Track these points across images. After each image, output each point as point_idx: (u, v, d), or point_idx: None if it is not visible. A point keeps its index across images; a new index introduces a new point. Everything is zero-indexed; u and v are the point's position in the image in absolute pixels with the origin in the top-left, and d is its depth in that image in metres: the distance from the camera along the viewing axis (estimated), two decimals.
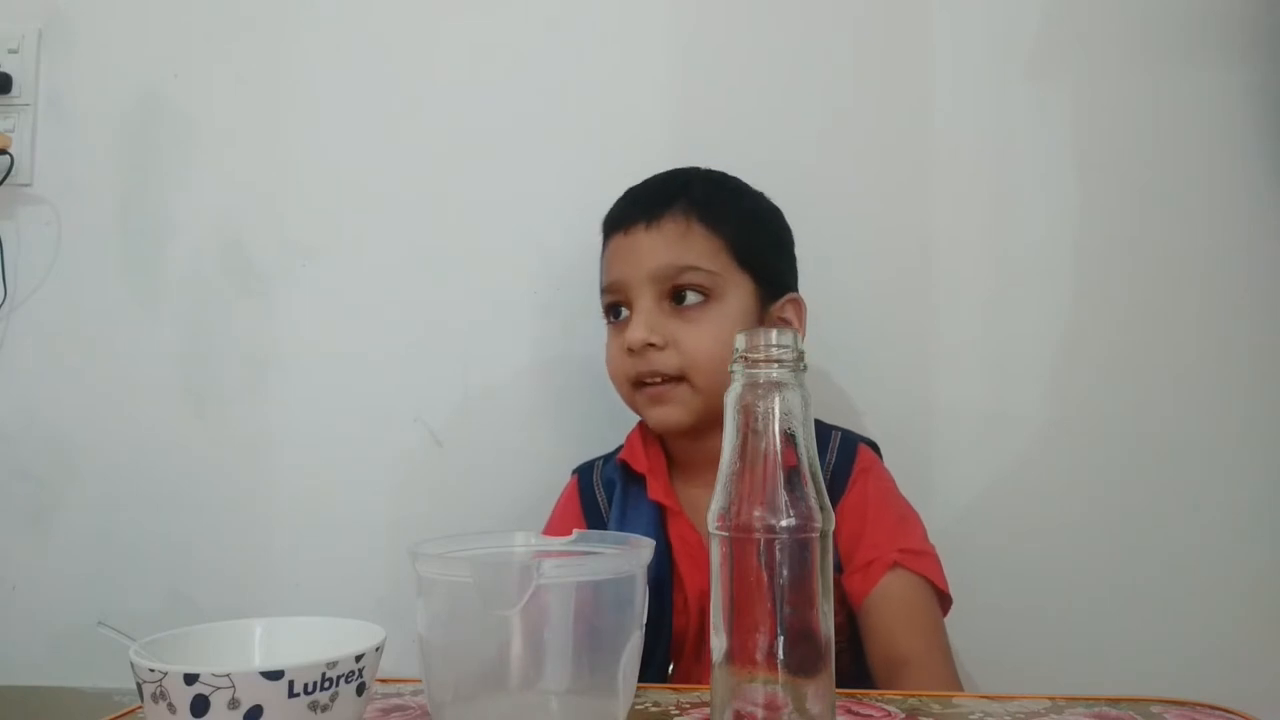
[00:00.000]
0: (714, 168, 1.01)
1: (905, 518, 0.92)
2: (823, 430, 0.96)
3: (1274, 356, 1.11)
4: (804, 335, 0.98)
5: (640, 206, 0.96)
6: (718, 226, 0.93)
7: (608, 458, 1.02)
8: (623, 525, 0.95)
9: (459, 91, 1.21)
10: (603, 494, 0.99)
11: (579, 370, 1.17)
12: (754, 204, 0.99)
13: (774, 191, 1.01)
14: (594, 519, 0.98)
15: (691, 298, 0.92)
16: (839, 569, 0.88)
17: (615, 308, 0.97)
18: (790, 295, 0.98)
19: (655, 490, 0.94)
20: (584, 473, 1.03)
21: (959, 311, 1.14)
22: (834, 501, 0.88)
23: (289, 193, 1.22)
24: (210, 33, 1.23)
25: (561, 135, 1.19)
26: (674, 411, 0.92)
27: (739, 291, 0.93)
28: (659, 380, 0.91)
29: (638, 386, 0.94)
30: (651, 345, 0.90)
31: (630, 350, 0.91)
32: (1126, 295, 1.13)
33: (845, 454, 0.93)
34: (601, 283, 0.99)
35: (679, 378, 0.91)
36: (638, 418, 1.02)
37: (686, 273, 0.91)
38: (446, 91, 1.21)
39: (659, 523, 0.94)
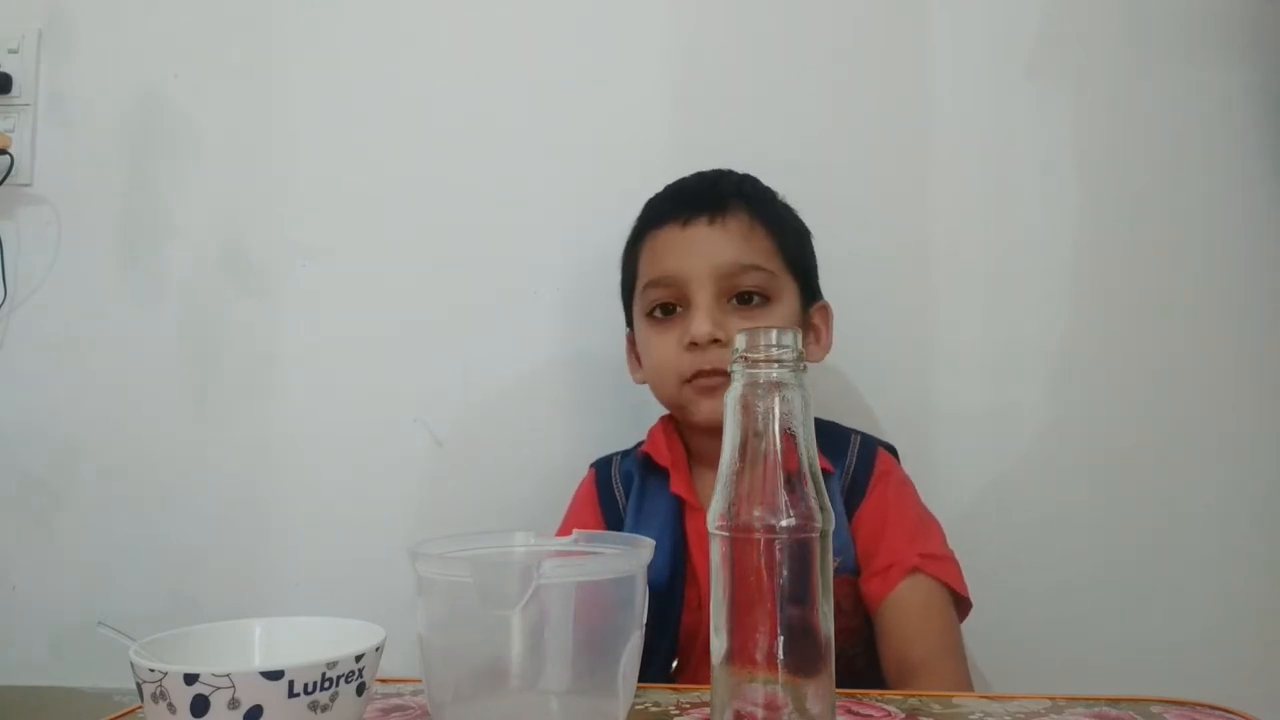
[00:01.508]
0: (742, 172, 1.01)
1: (925, 522, 0.93)
2: (841, 434, 0.96)
3: (1275, 356, 1.11)
4: (831, 341, 0.99)
5: (700, 200, 0.95)
6: (774, 229, 0.94)
7: (626, 453, 1.02)
8: (639, 518, 0.95)
9: (459, 91, 1.20)
10: (620, 487, 0.99)
11: (580, 370, 1.17)
12: (791, 210, 1.00)
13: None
14: (611, 512, 0.98)
15: (754, 297, 0.92)
16: (857, 572, 0.88)
17: (665, 303, 0.94)
18: (820, 302, 0.99)
19: (677, 484, 0.94)
20: (601, 466, 1.03)
21: (959, 311, 1.14)
22: (854, 506, 0.89)
23: (289, 193, 1.22)
24: (210, 33, 1.23)
25: (562, 135, 1.19)
26: None
27: (789, 295, 0.94)
28: (718, 376, 0.90)
29: (688, 380, 0.92)
30: (716, 341, 0.89)
31: (693, 344, 0.90)
32: (1126, 295, 1.13)
33: (865, 458, 0.93)
34: (646, 276, 0.96)
35: None
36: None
37: (750, 272, 0.91)
38: (447, 91, 1.21)
39: (677, 517, 0.94)
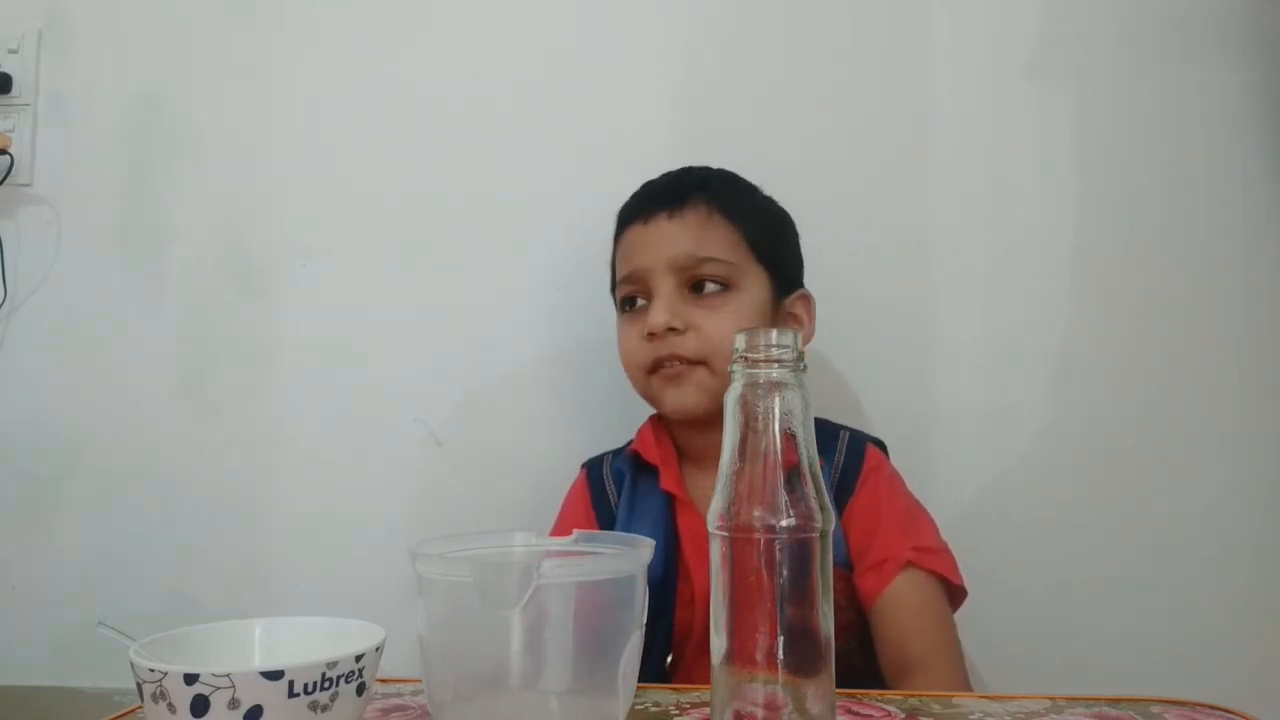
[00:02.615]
0: (718, 167, 1.01)
1: (916, 515, 0.93)
2: (830, 430, 0.96)
3: (1274, 356, 1.11)
4: (814, 330, 1.00)
5: (661, 197, 0.97)
6: (737, 219, 0.95)
7: (617, 452, 1.03)
8: (631, 516, 0.95)
9: (459, 91, 1.20)
10: (612, 486, 1.00)
11: (580, 370, 1.17)
12: (767, 202, 1.01)
13: (774, 191, 1.01)
14: (603, 510, 0.99)
15: (710, 287, 0.93)
16: (850, 568, 0.89)
17: (632, 298, 0.97)
18: (801, 291, 0.99)
19: (667, 480, 0.95)
20: (593, 466, 1.03)
21: (959, 311, 1.14)
22: (844, 502, 0.89)
23: (289, 193, 1.22)
24: (210, 33, 1.23)
25: (561, 134, 1.19)
26: (691, 394, 0.92)
27: (755, 284, 0.94)
28: (678, 364, 0.92)
29: (653, 371, 0.94)
30: (672, 329, 0.91)
31: (650, 335, 0.92)
32: (1126, 295, 1.13)
33: (853, 454, 0.94)
34: (617, 274, 0.99)
35: (698, 362, 0.91)
36: (642, 415, 1.02)
37: (707, 263, 0.92)
38: (447, 91, 1.21)
39: (668, 514, 0.94)
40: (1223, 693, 0.68)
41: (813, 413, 0.53)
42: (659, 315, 0.91)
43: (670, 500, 0.95)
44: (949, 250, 1.15)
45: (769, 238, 0.97)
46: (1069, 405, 1.13)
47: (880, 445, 0.98)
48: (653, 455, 0.97)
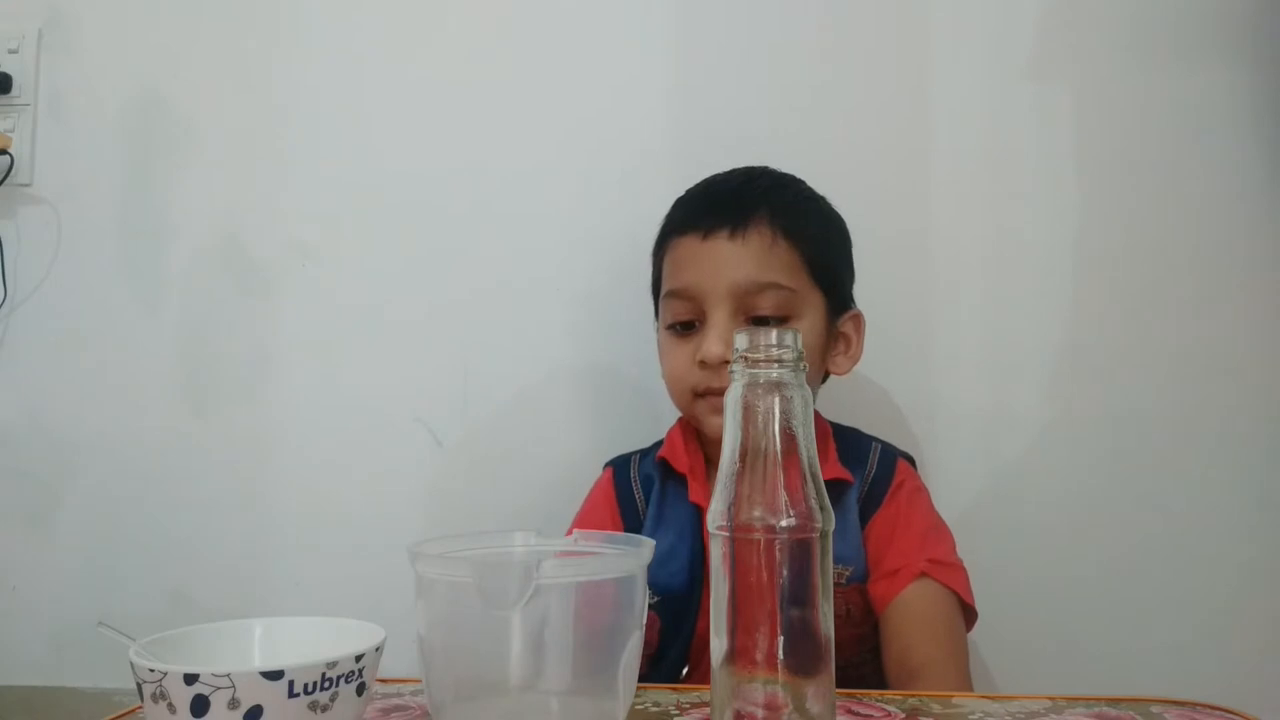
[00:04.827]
0: (781, 172, 1.00)
1: (936, 529, 0.93)
2: (862, 441, 0.96)
3: (1274, 356, 1.11)
4: (861, 350, 0.97)
5: (723, 211, 0.92)
6: (799, 242, 0.91)
7: (645, 453, 1.01)
8: (659, 523, 0.94)
9: (460, 91, 1.20)
10: (640, 491, 0.98)
11: (580, 370, 1.17)
12: (828, 216, 0.98)
13: None
14: (630, 515, 0.97)
15: (770, 317, 0.90)
16: (864, 577, 0.88)
17: (683, 319, 0.93)
18: (853, 311, 0.97)
19: (695, 492, 0.93)
20: (620, 467, 1.01)
21: (959, 311, 1.14)
22: (869, 514, 0.90)
23: (289, 193, 1.22)
24: (210, 32, 1.23)
25: (561, 134, 1.19)
26: None
27: (813, 310, 0.92)
28: None
29: (701, 395, 0.92)
30: (728, 361, 0.88)
31: (703, 363, 0.89)
32: (1126, 295, 1.13)
33: (884, 467, 0.93)
34: (666, 285, 0.95)
35: None
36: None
37: (768, 291, 0.89)
38: (447, 91, 1.21)
39: (696, 524, 0.93)
40: (1223, 693, 0.68)
41: (812, 413, 0.53)
42: (715, 346, 0.87)
43: (699, 510, 0.93)
44: (949, 249, 1.15)
45: (829, 258, 0.95)
46: (1069, 405, 1.13)
47: (910, 460, 0.98)
48: (681, 464, 0.95)
